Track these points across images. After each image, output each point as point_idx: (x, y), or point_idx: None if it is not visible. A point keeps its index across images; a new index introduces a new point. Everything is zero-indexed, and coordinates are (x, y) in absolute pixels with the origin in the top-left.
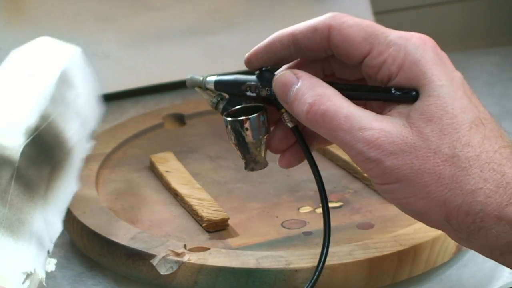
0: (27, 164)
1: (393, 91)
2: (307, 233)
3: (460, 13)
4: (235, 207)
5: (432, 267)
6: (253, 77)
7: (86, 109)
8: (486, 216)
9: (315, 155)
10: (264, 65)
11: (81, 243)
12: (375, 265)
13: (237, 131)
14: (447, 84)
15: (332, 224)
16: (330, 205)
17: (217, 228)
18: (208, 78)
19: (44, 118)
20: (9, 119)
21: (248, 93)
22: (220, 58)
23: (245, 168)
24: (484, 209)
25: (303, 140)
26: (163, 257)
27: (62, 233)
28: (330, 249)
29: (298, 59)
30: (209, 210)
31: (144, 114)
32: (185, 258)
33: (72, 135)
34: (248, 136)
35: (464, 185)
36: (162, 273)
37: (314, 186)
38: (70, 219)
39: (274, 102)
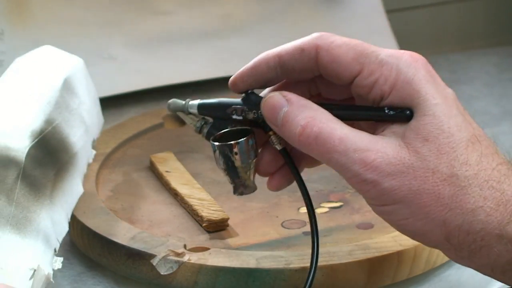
0: (33, 165)
1: (386, 111)
2: (307, 233)
3: (459, 13)
4: (235, 207)
5: (432, 267)
6: (238, 100)
7: (89, 118)
8: (487, 234)
9: None
10: (250, 88)
11: (81, 243)
12: (375, 265)
13: (226, 155)
14: (441, 102)
15: (332, 224)
16: (330, 205)
17: (217, 228)
18: (191, 102)
19: (48, 122)
20: (15, 123)
21: (234, 116)
22: (229, 62)
23: (234, 192)
24: (485, 227)
25: (292, 162)
26: (163, 257)
27: None
28: (330, 249)
29: (283, 81)
30: (209, 210)
31: (144, 114)
32: (185, 258)
33: (76, 141)
34: (237, 160)
35: (464, 204)
36: (162, 273)
37: (314, 186)
38: (70, 219)
39: (261, 124)
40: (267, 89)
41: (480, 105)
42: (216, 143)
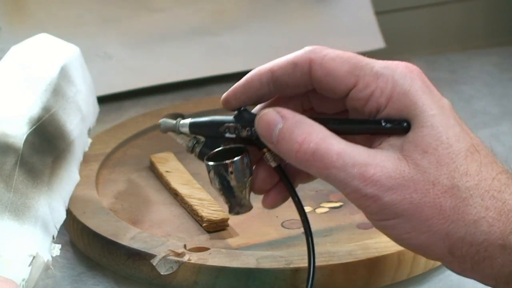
0: (30, 152)
1: (383, 123)
2: None
3: (460, 13)
4: None
5: (432, 267)
6: (231, 118)
7: (85, 106)
8: (490, 245)
9: None
10: (243, 105)
11: (81, 243)
12: (375, 265)
13: (222, 175)
14: (439, 113)
15: (332, 224)
16: (330, 205)
17: (217, 228)
18: (182, 121)
19: (46, 109)
20: (12, 109)
21: (227, 135)
22: (222, 59)
23: (230, 212)
24: (487, 238)
25: (287, 179)
26: (163, 257)
27: (62, 233)
28: (330, 249)
29: (276, 96)
30: (209, 210)
31: (144, 114)
32: (185, 258)
33: (73, 129)
34: (233, 179)
35: (466, 216)
36: (162, 273)
37: (314, 186)
38: (70, 219)
39: (255, 142)
40: (259, 105)
41: (480, 105)
42: (211, 163)
